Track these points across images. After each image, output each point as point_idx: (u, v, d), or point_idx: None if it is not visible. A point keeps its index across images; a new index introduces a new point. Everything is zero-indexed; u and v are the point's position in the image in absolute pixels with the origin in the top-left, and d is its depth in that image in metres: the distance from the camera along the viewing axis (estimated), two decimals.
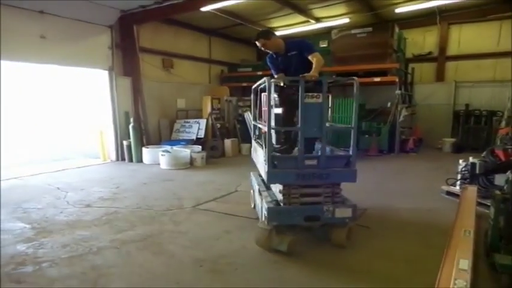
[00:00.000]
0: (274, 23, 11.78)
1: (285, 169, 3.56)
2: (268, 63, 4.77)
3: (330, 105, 10.62)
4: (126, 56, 9.81)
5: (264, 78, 3.56)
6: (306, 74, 3.69)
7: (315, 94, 3.54)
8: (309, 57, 4.19)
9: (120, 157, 9.89)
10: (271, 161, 3.51)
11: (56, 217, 4.94)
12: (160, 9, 8.83)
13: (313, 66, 4.03)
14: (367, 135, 10.79)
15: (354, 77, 3.78)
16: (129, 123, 9.54)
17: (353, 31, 10.59)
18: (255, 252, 3.67)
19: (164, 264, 3.44)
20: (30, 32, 7.58)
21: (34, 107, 10.65)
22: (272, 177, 3.61)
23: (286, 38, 4.75)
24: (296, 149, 3.96)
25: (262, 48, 4.52)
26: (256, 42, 4.49)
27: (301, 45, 4.42)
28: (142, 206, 5.44)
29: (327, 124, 3.86)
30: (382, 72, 10.22)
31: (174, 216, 4.98)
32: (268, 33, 4.52)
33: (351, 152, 3.67)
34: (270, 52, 4.64)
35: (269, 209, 3.59)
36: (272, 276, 3.20)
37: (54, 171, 8.31)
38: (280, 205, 3.65)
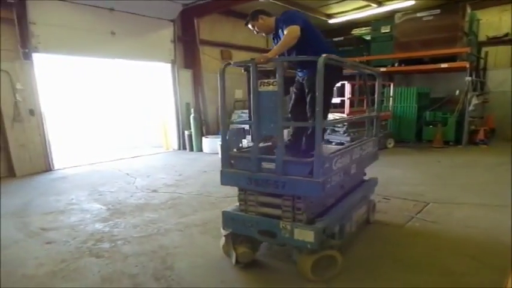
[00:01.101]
0: (334, 9, 11.48)
1: (240, 170, 3.01)
2: None
3: (391, 94, 10.37)
4: (187, 49, 10.22)
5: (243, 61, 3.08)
6: (257, 56, 2.95)
7: (271, 81, 2.79)
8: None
9: (182, 146, 10.41)
10: (226, 159, 3.08)
11: (127, 200, 5.38)
12: (220, 2, 9.05)
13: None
14: (431, 126, 10.20)
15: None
16: (189, 114, 9.99)
17: (418, 14, 9.97)
18: None
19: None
20: (102, 29, 8.20)
21: (105, 100, 11.51)
22: (225, 177, 3.09)
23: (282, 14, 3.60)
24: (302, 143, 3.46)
25: (255, 32, 3.70)
26: (249, 27, 3.67)
27: (282, 19, 3.39)
28: (203, 193, 5.71)
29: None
30: (451, 58, 9.51)
31: (233, 203, 5.14)
32: (256, 13, 3.55)
33: (313, 157, 2.66)
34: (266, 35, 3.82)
35: (224, 213, 3.19)
36: None
37: (124, 159, 9.00)
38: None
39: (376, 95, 4.04)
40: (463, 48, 9.34)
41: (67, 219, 4.62)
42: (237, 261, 3.10)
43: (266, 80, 2.82)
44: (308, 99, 3.41)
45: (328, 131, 9.67)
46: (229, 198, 5.39)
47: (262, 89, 2.83)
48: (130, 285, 2.93)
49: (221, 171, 3.09)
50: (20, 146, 7.28)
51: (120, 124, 11.32)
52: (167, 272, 3.09)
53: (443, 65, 9.51)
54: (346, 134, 9.13)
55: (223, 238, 3.21)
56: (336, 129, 9.49)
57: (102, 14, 8.14)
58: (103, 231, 4.15)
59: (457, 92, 10.04)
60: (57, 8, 7.39)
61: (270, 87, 2.79)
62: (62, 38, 7.57)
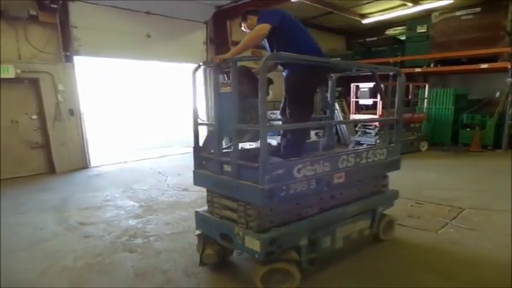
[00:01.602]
0: (368, 9, 11.24)
1: (207, 172, 3.01)
2: None
3: (426, 96, 10.04)
4: (218, 51, 10.35)
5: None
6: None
7: (228, 81, 2.75)
8: None
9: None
10: (197, 160, 3.09)
11: (159, 198, 5.54)
12: (252, 3, 9.09)
13: None
14: (468, 129, 9.79)
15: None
16: None
17: (457, 13, 9.61)
18: None
19: None
20: (138, 32, 8.48)
21: (138, 101, 11.86)
22: (196, 178, 3.13)
23: None
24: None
25: (248, 33, 3.37)
26: (242, 29, 3.53)
27: (258, 18, 3.19)
28: None
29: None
30: (491, 58, 9.11)
31: None
32: (245, 14, 3.39)
33: (259, 163, 2.48)
34: None
35: (196, 213, 3.21)
36: None
37: (156, 158, 9.26)
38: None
39: (396, 97, 3.59)
40: (504, 48, 8.90)
41: (103, 214, 4.82)
42: (201, 262, 3.12)
43: (226, 81, 2.78)
44: (287, 100, 3.37)
45: (359, 133, 9.53)
46: None
47: (222, 90, 2.82)
48: (162, 280, 3.03)
49: (193, 171, 3.12)
50: (61, 144, 7.66)
51: (152, 124, 11.62)
52: (197, 269, 3.16)
53: (483, 66, 9.12)
54: (377, 136, 8.95)
55: (196, 237, 3.25)
56: (367, 131, 9.32)
57: (138, 17, 8.42)
58: (136, 227, 4.30)
59: (498, 93, 9.60)
60: (97, 12, 7.72)
61: (228, 89, 2.74)
62: (100, 40, 7.90)
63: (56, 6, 7.01)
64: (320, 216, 3.02)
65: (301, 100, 3.27)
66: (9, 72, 6.62)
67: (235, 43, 10.52)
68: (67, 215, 4.81)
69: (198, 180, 3.13)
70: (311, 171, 2.76)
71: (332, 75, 4.02)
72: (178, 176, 7.03)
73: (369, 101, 9.37)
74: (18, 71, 6.75)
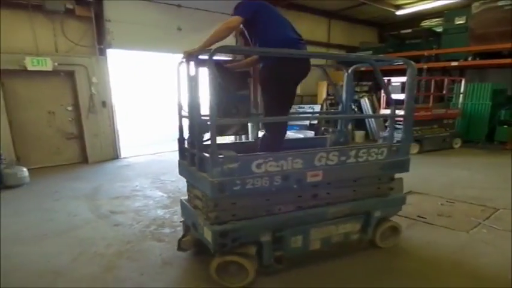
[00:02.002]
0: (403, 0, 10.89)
1: (185, 162, 3.10)
2: None
3: (462, 91, 9.63)
4: (247, 43, 10.32)
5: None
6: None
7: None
8: None
9: (238, 139, 10.59)
10: (182, 151, 3.20)
11: (185, 189, 5.62)
12: None
13: None
14: (506, 126, 9.31)
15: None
16: None
17: (500, 3, 9.08)
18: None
19: None
20: (169, 25, 8.59)
21: (167, 93, 12.07)
22: (180, 168, 3.25)
23: None
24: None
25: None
26: None
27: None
28: None
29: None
30: None
31: None
32: (235, 8, 3.18)
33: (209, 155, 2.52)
34: None
35: (180, 201, 3.38)
36: None
37: None
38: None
39: (406, 91, 3.28)
40: None
41: (132, 204, 4.97)
42: (179, 247, 3.26)
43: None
44: (261, 93, 3.32)
45: (388, 128, 9.25)
46: None
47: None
48: (188, 268, 3.09)
49: (178, 161, 3.23)
50: (93, 135, 7.94)
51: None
52: None
53: None
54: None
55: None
56: (398, 127, 9.04)
57: (170, 11, 8.52)
58: (164, 217, 4.40)
59: None
60: (129, 5, 7.88)
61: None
62: (132, 34, 8.06)
63: (91, 0, 7.21)
64: (289, 214, 2.93)
65: (272, 94, 3.19)
66: (47, 64, 6.90)
67: None
68: (98, 204, 4.99)
69: (180, 170, 3.25)
70: (275, 167, 2.71)
71: (348, 68, 3.85)
72: None
73: (401, 96, 9.08)
74: (55, 64, 7.02)
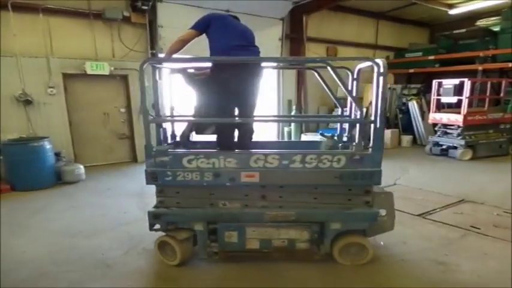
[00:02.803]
0: None
1: None
2: None
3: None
4: (293, 46, 10.35)
5: None
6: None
7: None
8: None
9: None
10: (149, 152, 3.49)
11: None
12: None
13: None
14: None
15: None
16: (291, 110, 10.14)
17: None
18: (418, 250, 3.50)
19: None
20: None
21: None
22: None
23: None
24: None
25: None
26: None
27: None
28: None
29: None
30: None
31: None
32: None
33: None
34: None
35: None
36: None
37: None
38: None
39: (375, 94, 2.94)
40: None
41: None
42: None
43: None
44: None
45: (438, 133, 8.87)
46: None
47: None
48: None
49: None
50: (142, 136, 8.30)
51: None
52: None
53: None
54: (460, 137, 8.27)
55: None
56: (449, 131, 8.64)
57: None
58: None
59: None
60: (180, 11, 8.14)
61: None
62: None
63: (146, 7, 7.60)
64: (221, 210, 3.16)
65: (211, 96, 3.45)
66: (105, 69, 7.39)
67: (311, 39, 10.54)
68: (147, 201, 5.22)
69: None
70: (206, 164, 2.99)
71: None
72: None
73: (453, 99, 8.65)
74: (112, 68, 7.49)
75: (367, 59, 3.08)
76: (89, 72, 7.24)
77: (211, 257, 3.25)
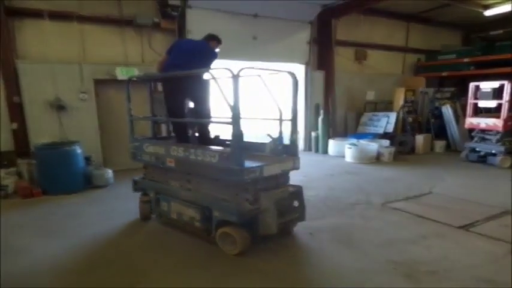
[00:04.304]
0: None
1: None
2: None
3: None
4: (321, 50, 10.19)
5: None
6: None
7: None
8: None
9: (307, 147, 10.46)
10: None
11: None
12: (360, 0, 8.74)
13: None
14: None
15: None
16: (318, 115, 9.95)
17: None
18: (462, 266, 3.29)
19: (357, 261, 3.48)
20: (246, 34, 8.79)
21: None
22: None
23: None
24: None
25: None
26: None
27: None
28: (330, 197, 5.63)
29: None
30: None
31: (363, 211, 4.96)
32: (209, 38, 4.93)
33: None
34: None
35: None
36: None
37: None
38: None
39: (292, 98, 4.27)
40: None
41: None
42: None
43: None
44: None
45: (475, 138, 8.46)
46: (358, 205, 5.21)
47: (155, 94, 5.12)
48: None
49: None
50: None
51: (252, 123, 11.99)
52: None
53: None
54: (499, 143, 7.86)
55: None
56: (487, 137, 8.23)
57: (246, 20, 8.73)
58: None
59: None
60: (208, 16, 8.17)
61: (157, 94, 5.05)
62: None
63: (175, 13, 7.67)
64: (163, 186, 4.34)
65: (165, 102, 4.57)
66: (135, 74, 7.47)
67: (339, 42, 10.34)
68: None
69: None
70: (153, 150, 4.28)
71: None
72: None
73: (492, 103, 8.23)
74: (141, 74, 7.57)
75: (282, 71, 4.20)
76: (119, 77, 7.33)
77: (158, 218, 4.52)
